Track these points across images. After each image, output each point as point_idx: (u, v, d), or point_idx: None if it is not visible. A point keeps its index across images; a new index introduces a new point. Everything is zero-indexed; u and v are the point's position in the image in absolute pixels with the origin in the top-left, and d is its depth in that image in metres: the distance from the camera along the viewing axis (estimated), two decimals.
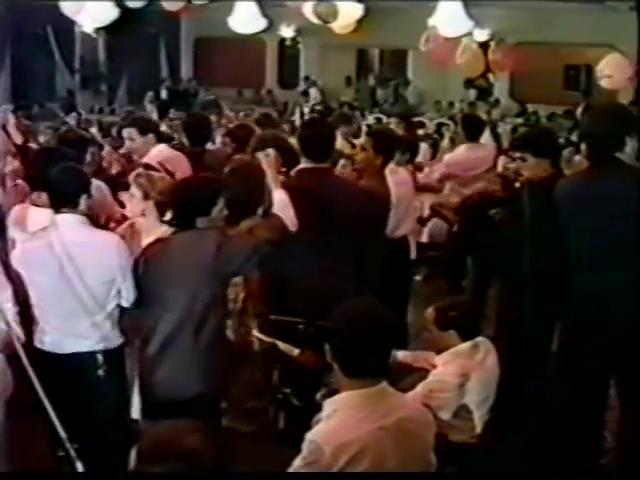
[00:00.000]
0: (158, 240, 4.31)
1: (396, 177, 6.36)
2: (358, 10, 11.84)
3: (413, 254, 6.96)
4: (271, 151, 4.60)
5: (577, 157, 10.72)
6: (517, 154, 5.43)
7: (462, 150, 8.21)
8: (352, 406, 3.20)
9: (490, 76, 20.38)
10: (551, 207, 4.58)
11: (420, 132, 12.40)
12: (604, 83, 14.40)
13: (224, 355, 4.27)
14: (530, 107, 19.62)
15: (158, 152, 6.12)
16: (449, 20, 12.69)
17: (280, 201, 4.33)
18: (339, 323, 3.28)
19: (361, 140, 6.02)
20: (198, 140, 6.64)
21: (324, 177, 4.87)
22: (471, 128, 8.31)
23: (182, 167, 5.92)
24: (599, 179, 4.39)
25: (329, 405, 3.27)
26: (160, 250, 4.22)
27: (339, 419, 3.20)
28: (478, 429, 4.46)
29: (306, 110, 17.02)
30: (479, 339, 4.60)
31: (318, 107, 17.74)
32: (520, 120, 18.29)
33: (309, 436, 3.17)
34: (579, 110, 16.88)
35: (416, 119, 15.33)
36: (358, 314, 3.29)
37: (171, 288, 4.11)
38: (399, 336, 3.59)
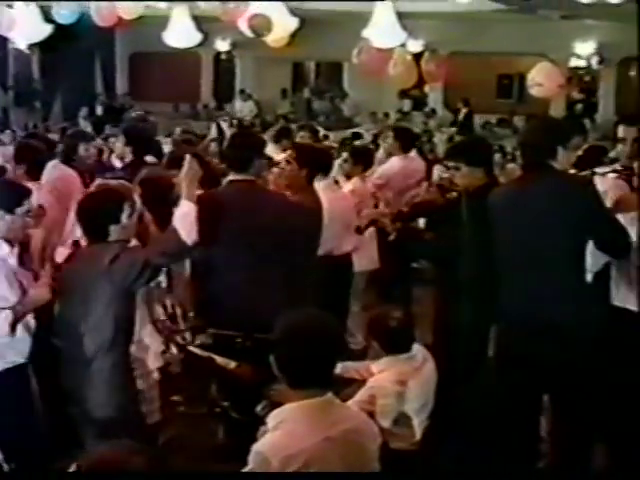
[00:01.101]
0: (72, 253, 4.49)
1: (333, 193, 6.36)
2: (292, 23, 11.85)
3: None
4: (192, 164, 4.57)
5: (510, 165, 10.92)
6: (451, 163, 5.50)
7: (396, 161, 8.26)
8: (298, 418, 3.21)
9: (426, 86, 20.59)
10: (486, 215, 4.65)
11: (356, 143, 12.46)
12: (535, 91, 14.56)
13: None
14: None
15: (50, 168, 6.25)
16: (382, 32, 12.71)
17: (181, 213, 4.33)
18: (284, 334, 3.28)
19: (286, 153, 6.02)
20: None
21: (246, 189, 4.90)
22: (404, 140, 8.39)
23: (73, 186, 6.11)
24: (531, 186, 4.46)
25: (275, 417, 3.26)
26: (70, 264, 4.42)
27: (285, 431, 3.20)
28: (417, 436, 4.48)
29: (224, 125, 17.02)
30: (416, 347, 4.63)
31: (235, 121, 17.81)
32: (455, 129, 18.52)
33: (255, 448, 3.17)
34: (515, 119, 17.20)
35: (352, 130, 15.52)
36: (303, 325, 3.29)
37: (78, 304, 4.21)
38: (344, 347, 3.61)
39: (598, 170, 4.92)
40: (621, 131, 5.23)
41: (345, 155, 7.27)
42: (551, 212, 4.31)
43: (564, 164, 4.47)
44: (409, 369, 4.49)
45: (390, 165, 8.25)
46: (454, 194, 5.71)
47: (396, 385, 4.38)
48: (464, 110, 19.60)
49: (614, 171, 4.81)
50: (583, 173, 4.79)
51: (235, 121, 17.79)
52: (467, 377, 5.20)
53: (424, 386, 4.53)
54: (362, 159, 7.47)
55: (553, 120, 4.89)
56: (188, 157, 4.48)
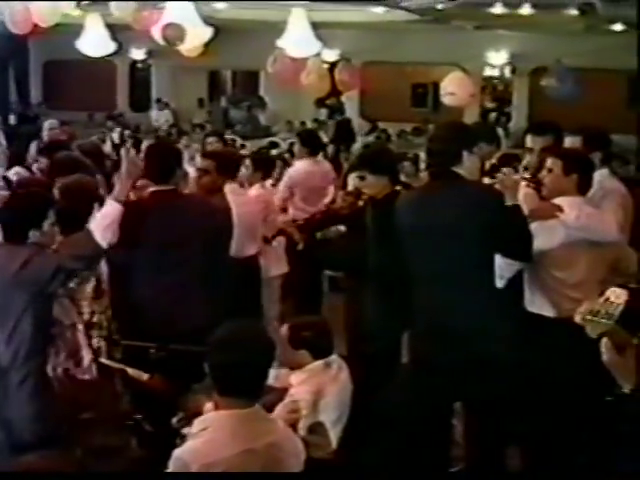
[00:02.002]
0: None
1: (240, 197, 6.38)
2: (207, 32, 11.79)
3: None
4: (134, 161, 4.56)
5: (424, 173, 11.02)
6: (357, 173, 5.56)
7: (301, 165, 8.27)
8: (222, 426, 3.22)
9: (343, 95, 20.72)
10: (391, 223, 4.67)
11: (274, 152, 12.49)
12: (447, 100, 14.80)
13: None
14: (380, 125, 20.01)
15: None
16: (297, 41, 12.77)
17: (102, 213, 4.31)
18: (219, 342, 3.33)
19: (203, 163, 6.01)
20: None
21: (167, 198, 4.91)
22: (311, 144, 8.41)
23: None
24: (438, 194, 4.48)
25: (200, 423, 3.29)
26: None
27: (208, 438, 3.21)
28: (334, 445, 4.49)
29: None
30: (332, 357, 4.64)
31: (127, 131, 17.61)
32: (371, 138, 18.64)
33: (176, 453, 3.18)
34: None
35: (269, 139, 15.54)
36: (238, 334, 3.35)
37: None
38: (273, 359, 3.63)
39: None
40: (529, 141, 5.35)
41: (247, 162, 7.26)
42: (457, 220, 4.33)
43: (471, 169, 4.49)
44: (326, 378, 4.49)
45: (296, 170, 8.27)
46: (361, 203, 5.77)
47: (313, 395, 4.38)
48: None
49: (523, 179, 4.86)
50: (492, 181, 4.81)
51: (128, 132, 17.52)
52: (381, 385, 5.25)
53: (340, 395, 4.54)
54: (262, 166, 7.42)
55: (458, 125, 4.89)
56: (131, 154, 4.46)
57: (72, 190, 5.09)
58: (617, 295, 2.95)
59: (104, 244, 4.21)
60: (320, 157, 8.64)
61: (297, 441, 3.52)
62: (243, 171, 6.92)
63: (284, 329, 4.59)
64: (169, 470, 3.16)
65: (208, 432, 3.23)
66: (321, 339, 4.60)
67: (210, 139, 8.71)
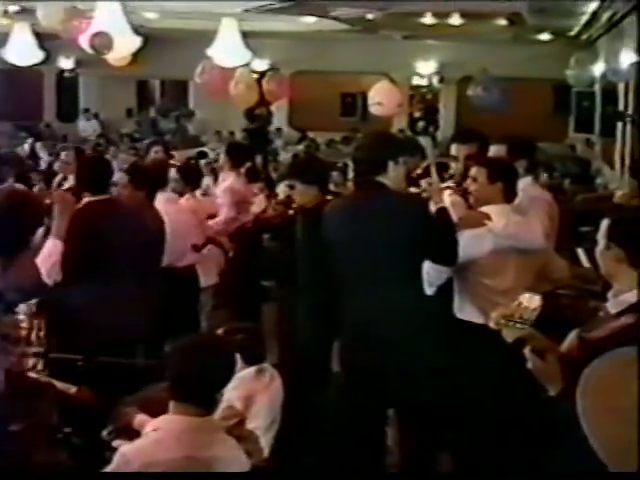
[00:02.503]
0: None
1: (173, 206, 6.37)
2: (136, 42, 11.69)
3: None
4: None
5: None
6: (287, 182, 5.60)
7: (230, 177, 8.19)
8: (172, 429, 3.29)
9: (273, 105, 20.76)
10: (320, 232, 4.70)
11: (202, 162, 12.43)
12: (375, 110, 14.89)
13: None
14: (310, 134, 20.09)
15: None
16: (227, 51, 12.74)
17: (46, 253, 4.37)
18: (180, 349, 3.43)
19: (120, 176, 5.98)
20: None
21: (102, 208, 4.93)
22: (236, 156, 8.35)
23: None
24: (363, 203, 4.52)
25: (153, 424, 3.37)
26: None
27: (155, 439, 3.29)
28: (266, 453, 4.50)
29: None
30: (264, 365, 4.66)
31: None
32: (301, 147, 18.71)
33: (122, 449, 3.28)
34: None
35: (198, 149, 15.47)
36: (200, 343, 3.53)
37: None
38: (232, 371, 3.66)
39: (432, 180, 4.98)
40: (454, 149, 5.41)
41: (175, 174, 7.22)
42: (382, 228, 4.37)
43: (396, 179, 4.51)
44: (258, 386, 4.51)
45: (226, 181, 8.18)
46: (291, 212, 5.80)
47: (244, 401, 4.39)
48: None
49: (448, 187, 4.93)
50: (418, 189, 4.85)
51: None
52: (313, 393, 5.27)
53: (272, 403, 4.55)
54: (191, 178, 7.38)
55: (383, 134, 4.96)
56: (60, 193, 4.47)
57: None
58: (530, 300, 3.02)
59: (50, 282, 4.20)
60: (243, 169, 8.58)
61: (243, 458, 3.54)
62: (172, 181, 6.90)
63: (219, 332, 4.61)
64: (112, 464, 3.24)
65: (157, 433, 3.31)
66: (253, 344, 4.63)
67: (155, 148, 8.62)
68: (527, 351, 3.04)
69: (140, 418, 3.64)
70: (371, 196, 4.48)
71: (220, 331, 4.60)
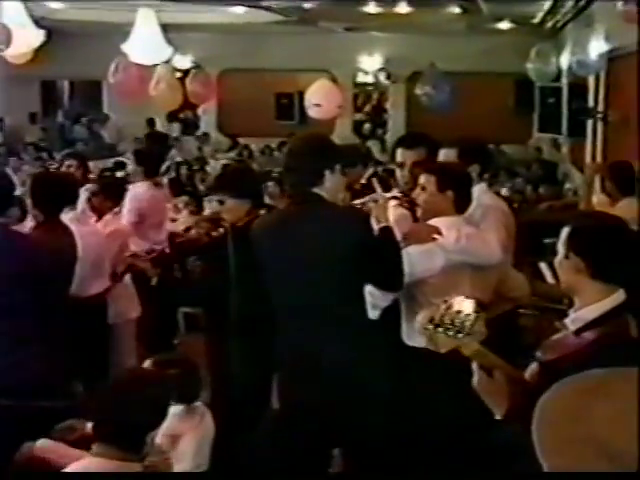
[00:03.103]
0: None
1: (84, 228, 6.21)
2: (38, 36, 11.60)
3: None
4: None
5: None
6: (216, 196, 5.58)
7: (141, 190, 8.13)
8: (96, 468, 3.38)
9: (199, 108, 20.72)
10: (252, 251, 4.69)
11: (120, 174, 12.36)
12: (313, 113, 14.90)
13: None
14: (242, 140, 20.10)
15: None
16: (144, 46, 12.68)
17: None
18: (110, 388, 3.57)
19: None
20: None
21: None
22: (148, 164, 8.30)
23: None
24: (296, 217, 4.52)
25: (71, 467, 3.45)
26: None
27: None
28: None
29: None
30: (196, 404, 4.67)
31: None
32: (233, 155, 18.72)
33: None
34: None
35: (115, 159, 15.38)
36: (121, 379, 3.65)
37: None
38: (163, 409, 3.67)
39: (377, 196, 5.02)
40: (399, 155, 5.42)
41: (93, 187, 7.15)
42: (320, 247, 4.37)
43: (333, 191, 4.54)
44: (186, 426, 4.52)
45: (135, 196, 8.04)
46: (221, 230, 5.80)
47: (169, 439, 4.40)
48: None
49: (394, 198, 4.95)
50: (359, 201, 4.86)
51: None
52: (248, 431, 5.29)
53: (200, 444, 4.56)
54: (113, 193, 7.34)
55: (317, 138, 4.80)
56: None
57: None
58: (461, 304, 3.02)
59: None
60: (159, 179, 8.55)
61: None
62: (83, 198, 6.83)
63: (147, 365, 4.61)
64: None
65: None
66: (187, 380, 4.63)
67: (68, 162, 8.38)
68: (475, 366, 3.10)
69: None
70: (305, 210, 4.49)
71: (148, 363, 4.61)
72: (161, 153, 9.81)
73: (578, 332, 3.10)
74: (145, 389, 3.52)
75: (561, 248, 3.20)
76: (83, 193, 6.54)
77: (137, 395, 3.44)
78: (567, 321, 3.20)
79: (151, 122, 19.98)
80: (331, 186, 4.49)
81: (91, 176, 9.06)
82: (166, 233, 7.89)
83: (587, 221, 3.38)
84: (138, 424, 3.45)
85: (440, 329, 3.00)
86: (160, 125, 20.31)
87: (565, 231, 3.20)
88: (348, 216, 4.55)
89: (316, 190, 4.45)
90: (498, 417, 3.10)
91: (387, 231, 4.44)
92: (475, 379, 3.12)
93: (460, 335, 2.98)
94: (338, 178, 4.54)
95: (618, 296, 3.12)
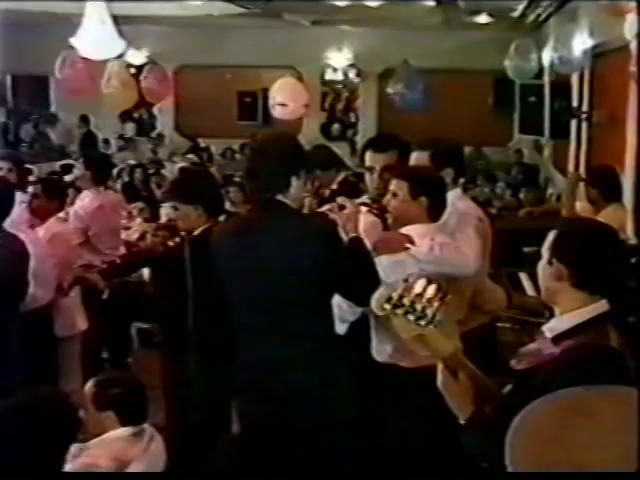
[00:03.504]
0: None
1: (31, 234, 6.22)
2: None
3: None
4: None
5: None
6: (169, 203, 5.58)
7: (90, 197, 8.17)
8: None
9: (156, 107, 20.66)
10: (210, 262, 4.68)
11: (68, 178, 12.33)
12: (277, 113, 14.90)
13: None
14: (201, 142, 20.07)
15: None
16: (95, 40, 12.59)
17: None
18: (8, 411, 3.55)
19: None
20: None
21: None
22: (97, 169, 8.28)
23: None
24: (258, 227, 4.50)
25: None
26: None
27: None
28: None
29: None
30: (143, 426, 4.68)
31: None
32: (192, 157, 18.67)
33: None
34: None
35: (62, 162, 15.33)
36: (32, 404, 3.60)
37: None
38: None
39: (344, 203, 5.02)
40: (368, 159, 5.43)
41: (33, 189, 7.13)
42: (284, 257, 4.37)
43: (298, 197, 4.59)
44: (133, 451, 4.52)
45: (83, 203, 8.11)
46: (177, 239, 5.80)
47: (113, 462, 4.40)
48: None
49: (363, 204, 4.95)
50: (326, 208, 4.88)
51: None
52: (204, 457, 5.30)
53: (149, 470, 4.58)
54: (57, 194, 7.34)
55: (281, 139, 4.79)
56: None
57: None
58: (423, 287, 3.04)
59: None
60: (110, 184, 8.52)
61: None
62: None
63: (89, 386, 4.62)
64: None
65: None
66: (132, 400, 4.65)
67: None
68: (439, 367, 3.14)
69: None
70: (268, 218, 4.48)
71: (92, 382, 4.62)
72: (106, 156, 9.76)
73: (556, 340, 3.13)
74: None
75: (545, 253, 3.23)
76: (20, 197, 6.51)
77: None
78: (544, 328, 3.23)
79: (84, 119, 19.85)
80: (295, 193, 4.51)
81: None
82: (120, 242, 7.87)
83: (575, 227, 3.41)
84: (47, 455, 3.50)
85: (399, 311, 3.03)
86: (102, 124, 20.17)
87: (551, 235, 3.23)
88: (315, 225, 4.56)
89: (280, 197, 4.45)
90: (461, 421, 3.15)
91: (357, 241, 4.45)
92: (439, 380, 3.16)
93: (422, 322, 3.01)
94: (302, 184, 4.57)
95: (601, 305, 3.14)
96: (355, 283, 4.41)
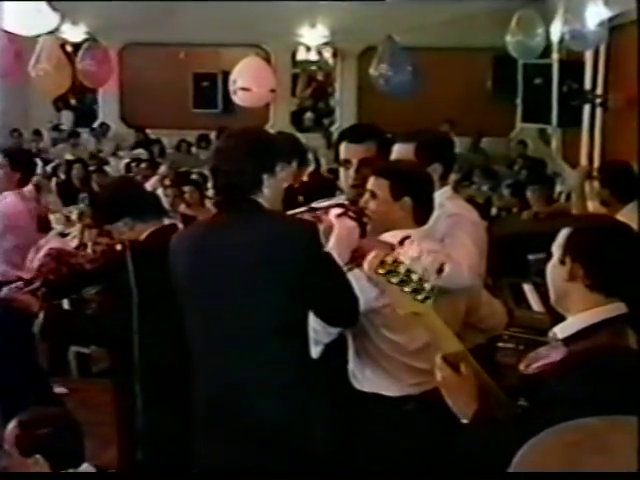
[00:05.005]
0: None
1: None
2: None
3: None
4: None
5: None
6: None
7: (12, 199, 8.11)
8: None
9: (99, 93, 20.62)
10: (161, 272, 4.67)
11: None
12: (239, 99, 14.87)
13: None
14: (151, 133, 20.06)
15: None
16: (22, 13, 12.57)
17: None
18: None
19: None
20: None
21: None
22: (21, 167, 8.21)
23: None
24: (228, 230, 4.51)
25: None
26: None
27: None
28: None
29: None
30: (83, 466, 4.67)
31: None
32: (141, 152, 18.65)
33: None
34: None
35: None
36: None
37: None
38: None
39: (317, 205, 5.03)
40: (343, 151, 5.43)
41: None
42: (257, 266, 4.38)
43: (273, 198, 4.56)
44: None
45: (5, 206, 8.05)
46: (119, 247, 5.80)
47: None
48: None
49: (338, 205, 4.95)
50: (298, 210, 4.92)
51: None
52: None
53: None
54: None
55: (254, 133, 4.82)
56: None
57: None
58: (420, 252, 3.13)
59: None
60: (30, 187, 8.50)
61: None
62: None
63: (12, 426, 4.61)
64: None
65: None
66: (64, 441, 4.64)
67: None
68: (438, 360, 3.16)
69: None
70: (237, 219, 4.51)
71: (14, 423, 4.61)
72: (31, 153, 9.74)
73: (567, 342, 3.19)
74: None
75: (556, 251, 3.28)
76: None
77: None
78: (556, 329, 3.29)
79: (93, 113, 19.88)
80: (270, 193, 4.52)
81: None
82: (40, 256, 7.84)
83: (590, 223, 3.48)
84: None
85: (393, 279, 3.07)
86: (32, 112, 20.11)
87: (564, 232, 3.28)
88: (292, 227, 4.57)
89: (253, 197, 4.48)
90: (464, 421, 3.19)
91: (329, 256, 4.50)
92: (438, 376, 3.19)
93: (419, 297, 3.08)
94: (278, 181, 4.58)
95: (618, 307, 3.20)
96: (332, 297, 4.45)
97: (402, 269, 3.05)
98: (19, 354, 7.51)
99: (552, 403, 2.87)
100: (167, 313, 4.77)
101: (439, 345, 3.22)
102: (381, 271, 3.06)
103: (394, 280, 3.04)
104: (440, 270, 3.07)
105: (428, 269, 4.40)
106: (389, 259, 3.06)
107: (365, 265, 3.16)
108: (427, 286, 3.04)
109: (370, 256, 3.12)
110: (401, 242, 3.16)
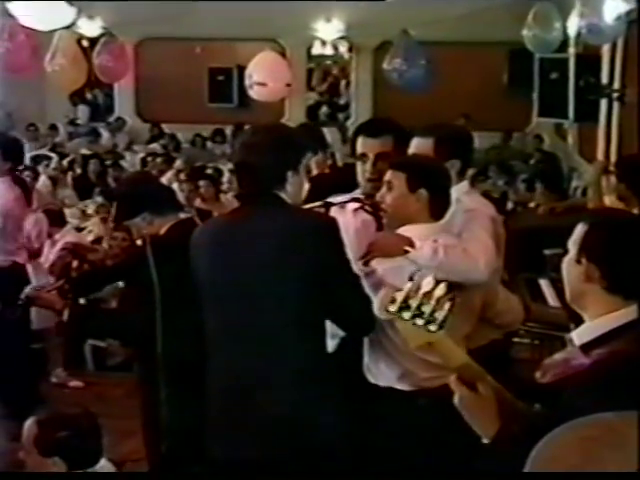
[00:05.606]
0: None
1: None
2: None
3: None
4: None
5: (228, 196, 11.23)
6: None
7: (2, 189, 8.15)
8: None
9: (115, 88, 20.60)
10: (182, 267, 4.72)
11: None
12: (255, 94, 14.82)
13: None
14: (166, 128, 20.06)
15: None
16: (39, 7, 12.51)
17: None
18: None
19: None
20: None
21: None
22: (9, 154, 8.28)
23: None
24: (251, 224, 4.56)
25: None
26: None
27: None
28: None
29: None
30: (101, 463, 4.67)
31: None
32: (157, 146, 18.65)
33: None
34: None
35: None
36: None
37: None
38: None
39: (333, 200, 5.05)
40: (360, 145, 5.42)
41: None
42: (278, 259, 4.42)
43: (295, 194, 4.60)
44: None
45: None
46: (139, 242, 5.82)
47: None
48: None
49: (354, 200, 4.98)
50: (313, 205, 4.93)
51: None
52: None
53: None
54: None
55: (282, 130, 4.92)
56: None
57: None
58: (431, 286, 3.04)
59: None
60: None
61: None
62: None
63: (30, 425, 4.60)
64: None
65: None
66: (84, 443, 4.63)
67: None
68: (452, 380, 3.13)
69: None
70: (260, 213, 4.56)
71: (32, 421, 4.61)
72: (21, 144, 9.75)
73: (585, 348, 3.12)
74: None
75: (572, 248, 3.21)
76: None
77: None
78: (573, 335, 3.21)
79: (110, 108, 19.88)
80: (293, 189, 4.57)
81: None
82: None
83: (607, 220, 3.36)
84: None
85: (405, 315, 3.03)
86: (48, 107, 20.12)
87: (580, 229, 3.20)
88: (315, 222, 4.62)
89: (277, 192, 4.53)
90: (485, 440, 3.12)
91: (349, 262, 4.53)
92: (456, 397, 3.15)
93: (432, 328, 3.01)
94: (300, 180, 4.62)
95: (637, 310, 3.11)
96: (350, 298, 4.47)
97: (413, 303, 3.01)
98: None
99: (574, 414, 2.83)
100: (189, 306, 4.78)
101: (451, 366, 3.17)
102: (392, 309, 3.03)
103: (406, 316, 3.01)
104: (453, 298, 3.00)
105: (446, 267, 4.44)
106: (399, 297, 3.03)
107: (375, 305, 3.15)
108: (439, 315, 3.00)
109: (382, 293, 3.11)
110: (410, 278, 3.10)
